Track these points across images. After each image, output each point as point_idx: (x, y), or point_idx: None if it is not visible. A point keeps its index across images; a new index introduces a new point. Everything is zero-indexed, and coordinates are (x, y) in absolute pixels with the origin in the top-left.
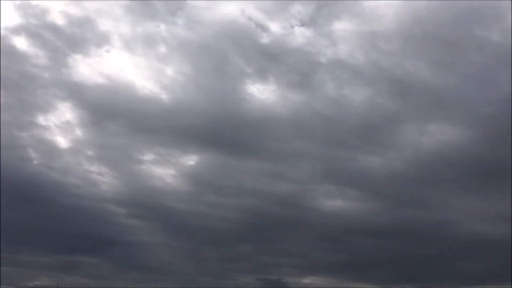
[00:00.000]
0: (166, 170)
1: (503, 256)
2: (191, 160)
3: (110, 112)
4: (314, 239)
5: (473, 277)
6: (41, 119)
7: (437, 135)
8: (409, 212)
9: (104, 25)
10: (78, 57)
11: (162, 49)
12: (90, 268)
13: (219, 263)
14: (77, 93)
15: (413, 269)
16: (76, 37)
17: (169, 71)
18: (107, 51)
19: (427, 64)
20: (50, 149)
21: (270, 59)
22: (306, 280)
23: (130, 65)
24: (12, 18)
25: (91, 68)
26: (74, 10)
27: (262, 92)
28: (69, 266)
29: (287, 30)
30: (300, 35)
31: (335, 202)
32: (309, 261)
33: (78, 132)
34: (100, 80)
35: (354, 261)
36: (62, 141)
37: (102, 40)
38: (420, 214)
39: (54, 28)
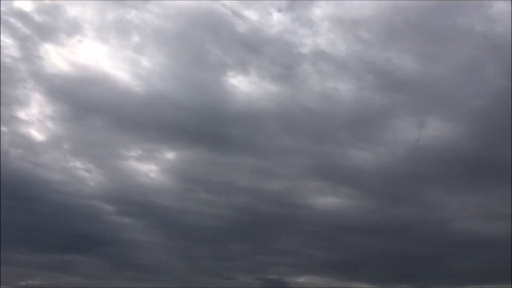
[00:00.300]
0: (154, 166)
1: (500, 255)
2: (178, 156)
3: (92, 106)
4: (308, 238)
5: (470, 276)
6: (22, 114)
7: (428, 130)
8: (403, 210)
9: (73, 11)
10: (50, 47)
11: (136, 38)
12: (84, 267)
13: (214, 262)
14: (57, 86)
15: (409, 268)
16: (46, 25)
17: (146, 61)
18: (80, 40)
19: (412, 56)
20: (33, 144)
21: (250, 49)
22: (301, 279)
23: (104, 56)
24: None
25: (66, 59)
26: None
27: (245, 85)
28: (62, 265)
29: (264, 17)
30: (278, 22)
31: (327, 200)
32: (304, 260)
33: (61, 127)
34: (77, 72)
35: (350, 259)
36: (45, 137)
37: (73, 28)
38: (414, 212)
39: (21, 15)
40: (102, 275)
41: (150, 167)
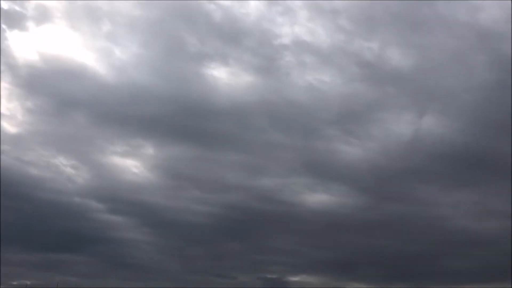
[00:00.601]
0: (141, 163)
1: (496, 254)
2: (166, 152)
3: (71, 100)
4: (302, 236)
5: (467, 276)
6: (2, 108)
7: (419, 124)
8: (397, 207)
9: None
10: (19, 36)
11: (108, 26)
12: (78, 266)
13: (209, 261)
14: (34, 78)
15: (405, 267)
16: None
17: (120, 52)
18: (49, 28)
19: (396, 47)
20: (16, 140)
21: (229, 39)
22: (297, 278)
23: (76, 46)
24: None
25: (37, 50)
26: None
27: (227, 77)
28: (55, 265)
29: (240, 3)
30: (255, 10)
31: (319, 197)
32: (298, 259)
33: (43, 122)
34: (52, 64)
35: (345, 258)
36: (27, 132)
37: (42, 16)
38: (409, 210)
39: None
40: (97, 275)
41: (137, 163)
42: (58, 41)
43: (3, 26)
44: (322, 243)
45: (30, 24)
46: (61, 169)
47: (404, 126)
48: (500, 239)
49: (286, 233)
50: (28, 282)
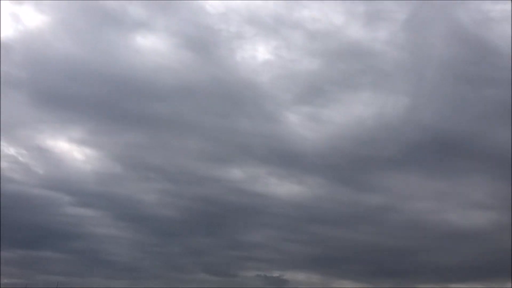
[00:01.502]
0: (101, 151)
1: (487, 249)
2: (125, 139)
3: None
4: (278, 230)
5: (457, 273)
6: None
7: (376, 106)
8: (374, 199)
9: None
10: None
11: None
12: (57, 264)
13: (188, 257)
14: None
15: (390, 264)
16: None
17: (31, 18)
18: None
19: (343, 17)
20: None
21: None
22: (287, 276)
23: None
24: None
25: None
26: None
27: (167, 53)
28: (32, 263)
29: None
30: None
31: (292, 188)
32: (279, 255)
33: None
34: None
35: (327, 254)
36: None
37: None
38: (388, 202)
39: None
40: (79, 273)
41: (97, 152)
42: None
43: None
44: (302, 237)
45: None
46: (18, 159)
47: (367, 107)
48: (488, 234)
49: (263, 227)
50: (5, 281)
